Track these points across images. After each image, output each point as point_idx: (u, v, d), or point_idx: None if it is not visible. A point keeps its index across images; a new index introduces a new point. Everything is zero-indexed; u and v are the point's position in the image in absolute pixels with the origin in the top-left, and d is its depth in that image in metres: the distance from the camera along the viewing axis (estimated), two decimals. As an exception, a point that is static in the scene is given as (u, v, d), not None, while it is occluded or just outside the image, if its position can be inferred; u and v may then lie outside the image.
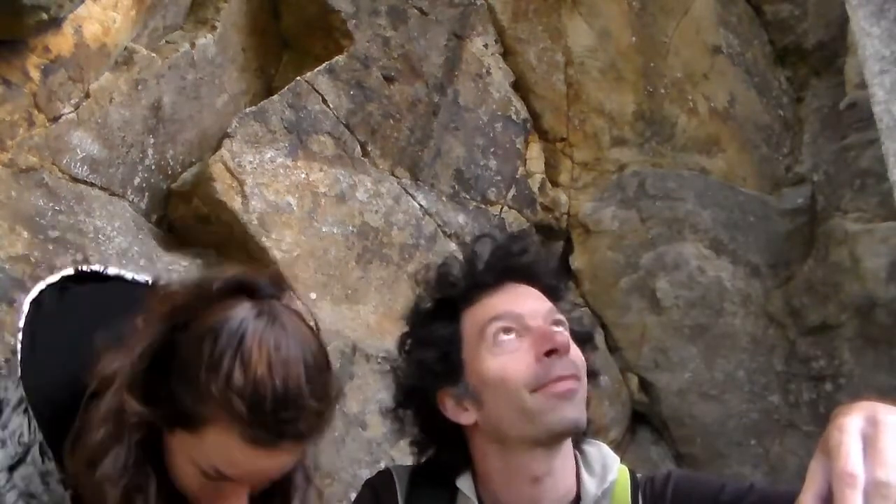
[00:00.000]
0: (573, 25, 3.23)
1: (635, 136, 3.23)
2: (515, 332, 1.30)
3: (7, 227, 2.12)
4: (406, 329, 1.43)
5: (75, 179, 2.29)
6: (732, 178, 3.24)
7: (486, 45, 3.14)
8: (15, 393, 1.30)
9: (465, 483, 1.35)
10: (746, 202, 3.20)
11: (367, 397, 2.65)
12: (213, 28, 2.71)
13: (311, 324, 1.26)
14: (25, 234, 2.14)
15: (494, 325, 1.31)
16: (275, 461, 1.20)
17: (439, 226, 2.92)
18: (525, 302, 1.33)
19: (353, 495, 1.45)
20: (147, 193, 2.50)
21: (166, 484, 1.25)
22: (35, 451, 1.28)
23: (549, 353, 1.26)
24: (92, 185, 2.33)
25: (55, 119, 2.24)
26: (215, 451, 1.17)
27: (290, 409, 1.14)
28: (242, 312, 1.17)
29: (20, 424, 1.28)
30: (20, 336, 1.27)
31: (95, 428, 1.20)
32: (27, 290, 2.08)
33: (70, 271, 1.36)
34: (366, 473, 2.25)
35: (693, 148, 3.24)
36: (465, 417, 1.34)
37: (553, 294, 1.39)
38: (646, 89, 3.24)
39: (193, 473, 1.21)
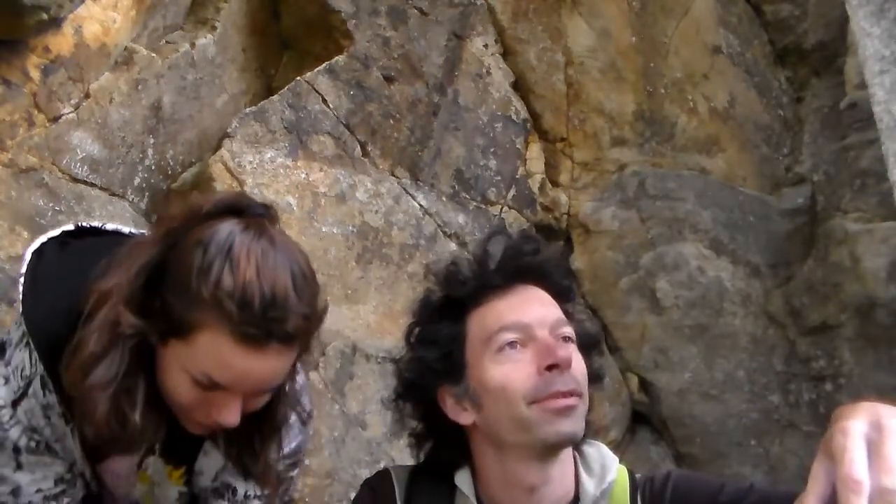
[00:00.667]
0: (573, 25, 3.23)
1: (635, 136, 3.23)
2: (520, 343, 1.29)
3: (7, 227, 2.12)
4: (412, 321, 1.42)
5: (75, 179, 2.29)
6: (732, 178, 3.24)
7: (486, 45, 3.14)
8: (17, 332, 1.35)
9: (463, 481, 1.35)
10: (746, 202, 3.20)
11: (367, 397, 2.65)
12: (213, 28, 2.71)
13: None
14: (25, 234, 2.14)
15: (502, 336, 1.30)
16: (264, 363, 1.22)
17: (439, 226, 2.92)
18: (533, 309, 1.32)
19: (354, 495, 1.45)
20: (147, 193, 2.50)
21: (155, 397, 1.28)
22: (36, 383, 1.33)
23: (550, 368, 1.26)
24: (92, 185, 2.33)
25: (55, 119, 2.24)
26: (207, 355, 1.20)
27: (278, 308, 1.19)
28: (231, 226, 1.22)
29: (22, 359, 1.33)
30: (21, 280, 1.31)
31: (90, 340, 1.23)
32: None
33: (70, 227, 1.41)
34: (366, 473, 2.25)
35: (693, 148, 3.24)
36: (464, 417, 1.34)
37: (563, 296, 1.38)
38: (646, 89, 3.23)
39: (186, 385, 1.23)
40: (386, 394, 2.46)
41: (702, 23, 3.27)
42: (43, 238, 1.38)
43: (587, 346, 1.37)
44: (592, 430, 1.41)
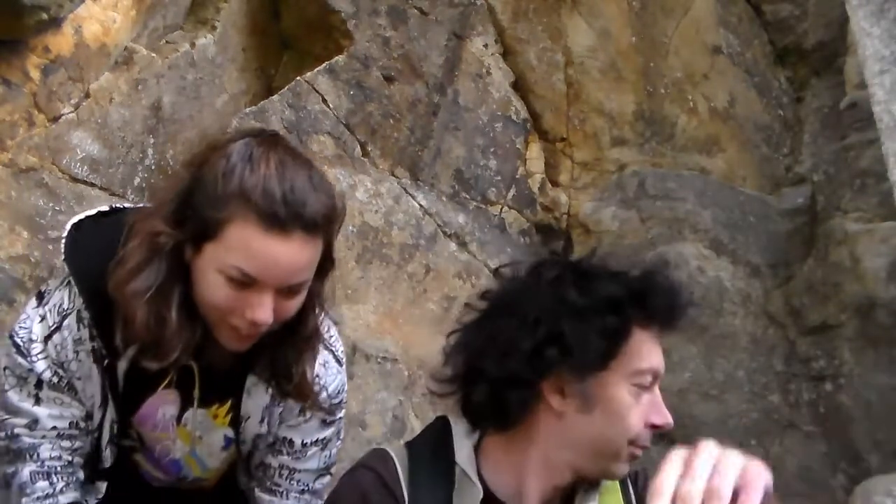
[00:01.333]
0: (573, 25, 3.23)
1: (635, 136, 3.23)
2: (648, 387, 1.33)
3: (7, 227, 2.12)
4: (578, 273, 1.37)
5: (75, 179, 2.29)
6: (732, 178, 3.24)
7: (486, 45, 3.14)
8: (56, 280, 1.48)
9: (466, 461, 1.35)
10: (746, 202, 3.20)
11: (366, 397, 2.65)
12: (213, 28, 2.71)
13: None
14: (25, 234, 2.14)
15: (647, 377, 1.32)
16: (290, 250, 1.32)
17: (439, 226, 2.92)
18: (662, 360, 1.36)
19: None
20: (147, 193, 2.50)
21: (190, 309, 1.38)
22: (72, 318, 1.44)
23: (654, 427, 1.32)
24: (92, 185, 2.33)
25: (55, 119, 2.24)
26: (237, 248, 1.31)
27: (298, 196, 1.31)
28: (249, 140, 1.37)
29: (61, 298, 1.45)
30: (63, 242, 1.45)
31: (132, 253, 1.37)
32: (27, 291, 2.10)
33: (105, 207, 1.54)
34: (366, 473, 2.24)
35: (693, 148, 3.24)
36: (557, 402, 1.32)
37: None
38: (646, 89, 3.23)
39: (221, 285, 1.33)
40: (386, 393, 2.47)
41: (702, 23, 3.27)
42: (80, 215, 1.49)
43: None
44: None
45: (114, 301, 1.37)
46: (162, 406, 1.54)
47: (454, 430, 1.40)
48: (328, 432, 1.66)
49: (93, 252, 1.43)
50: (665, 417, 1.32)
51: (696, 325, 3.11)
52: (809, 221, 3.14)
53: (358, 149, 2.80)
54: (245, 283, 1.32)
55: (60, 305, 1.45)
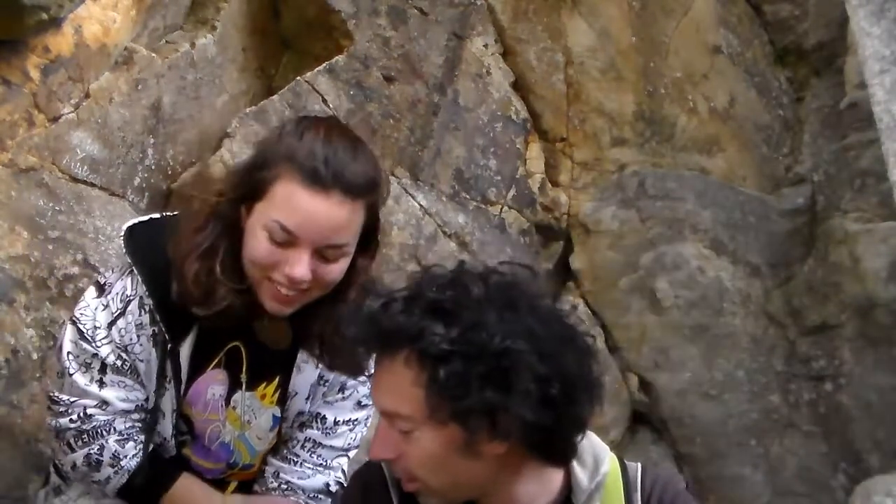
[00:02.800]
0: (573, 25, 3.23)
1: (635, 136, 3.23)
2: None
3: (7, 227, 2.11)
4: None
5: (75, 179, 2.29)
6: (732, 178, 3.24)
7: (486, 45, 3.14)
8: (117, 271, 1.60)
9: None
10: (746, 202, 3.20)
11: (367, 397, 2.65)
12: (213, 28, 2.71)
13: None
14: (25, 234, 2.14)
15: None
16: (328, 207, 1.42)
17: (439, 226, 2.92)
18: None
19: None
20: (147, 193, 2.50)
21: (240, 269, 1.49)
22: (134, 304, 1.54)
23: None
24: (92, 185, 2.33)
25: (55, 119, 2.24)
26: (281, 202, 1.42)
27: (339, 159, 1.44)
28: (301, 117, 1.58)
29: (123, 286, 1.56)
30: (122, 240, 1.57)
31: (192, 219, 1.53)
32: (27, 291, 2.11)
33: (156, 215, 1.68)
34: (366, 473, 2.24)
35: (693, 148, 3.24)
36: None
37: None
38: (646, 89, 3.23)
39: (264, 241, 1.43)
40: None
41: (702, 23, 3.27)
42: (132, 220, 1.62)
43: None
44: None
45: (172, 282, 1.49)
46: (211, 385, 1.61)
47: None
48: (361, 414, 1.73)
49: (149, 247, 1.54)
50: None
51: (695, 325, 3.11)
52: (809, 221, 3.14)
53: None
54: (286, 240, 1.42)
55: (123, 293, 1.55)
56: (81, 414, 1.56)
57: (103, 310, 1.55)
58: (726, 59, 3.27)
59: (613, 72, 3.23)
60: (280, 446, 1.73)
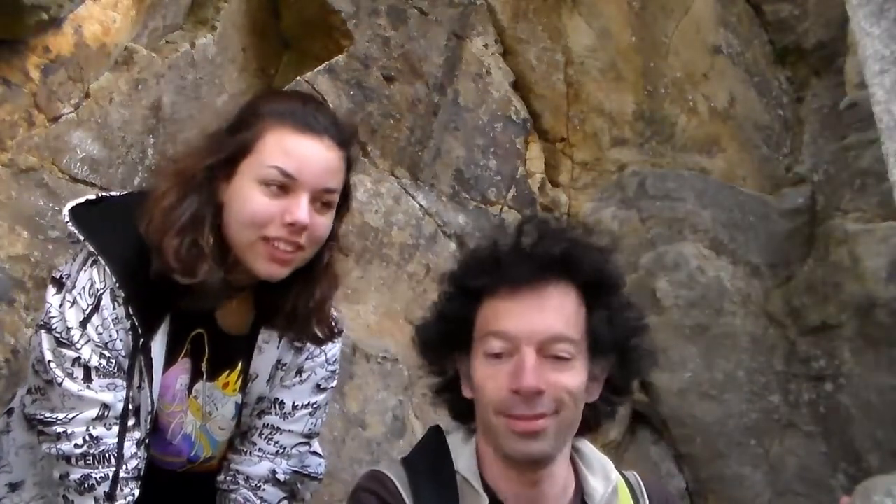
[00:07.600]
0: (573, 25, 3.23)
1: (635, 136, 3.23)
2: (506, 353, 1.28)
3: (7, 227, 2.11)
4: (444, 284, 1.44)
5: (75, 179, 2.29)
6: (732, 178, 3.24)
7: (486, 45, 3.14)
8: (76, 262, 1.48)
9: (466, 467, 1.33)
10: (746, 202, 3.20)
11: (367, 397, 2.66)
12: (213, 28, 2.71)
13: None
14: (25, 234, 2.14)
15: (490, 343, 1.29)
16: (321, 150, 1.46)
17: (439, 226, 2.92)
18: (531, 319, 1.27)
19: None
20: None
21: (217, 239, 1.47)
22: (107, 297, 1.44)
23: (516, 392, 1.25)
24: (92, 184, 2.32)
25: (55, 119, 2.24)
26: (274, 149, 1.44)
27: (322, 112, 1.53)
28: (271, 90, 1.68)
29: (89, 278, 1.45)
30: (69, 225, 1.47)
31: (164, 196, 1.47)
32: (27, 291, 2.10)
33: (91, 196, 1.59)
34: (366, 473, 2.24)
35: (693, 148, 3.24)
36: (466, 391, 1.36)
37: (594, 295, 1.33)
38: (646, 89, 3.23)
39: (259, 194, 1.44)
40: (386, 393, 2.50)
41: (702, 23, 3.27)
42: (71, 203, 1.52)
43: (601, 351, 1.32)
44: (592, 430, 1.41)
45: (142, 266, 1.43)
46: (180, 376, 1.58)
47: (449, 439, 1.38)
48: (320, 398, 1.73)
49: (110, 231, 1.47)
50: (518, 381, 1.25)
51: (695, 325, 3.11)
52: (809, 221, 3.14)
53: (358, 149, 2.80)
54: (283, 185, 1.43)
55: (92, 286, 1.44)
56: (87, 437, 1.43)
57: (71, 307, 1.43)
58: (726, 59, 3.27)
59: (613, 72, 3.23)
60: (239, 438, 1.71)
